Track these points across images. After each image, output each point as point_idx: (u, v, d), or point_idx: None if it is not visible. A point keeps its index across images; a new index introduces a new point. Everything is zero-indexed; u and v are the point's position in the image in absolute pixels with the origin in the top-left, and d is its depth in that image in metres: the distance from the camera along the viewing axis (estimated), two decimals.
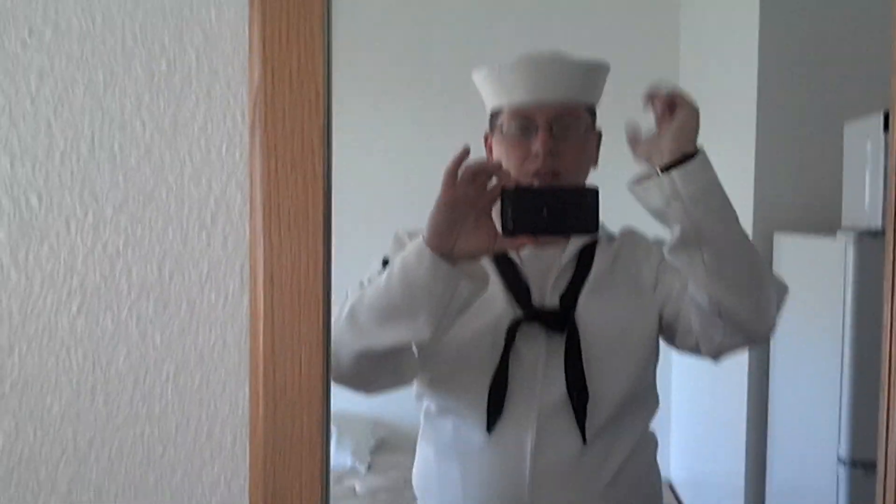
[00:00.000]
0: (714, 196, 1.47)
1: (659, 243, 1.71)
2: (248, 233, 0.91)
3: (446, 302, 1.37)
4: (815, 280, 2.91)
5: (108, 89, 0.91)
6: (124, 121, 0.92)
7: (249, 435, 0.93)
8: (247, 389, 0.93)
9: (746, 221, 3.34)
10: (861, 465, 2.59)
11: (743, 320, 1.52)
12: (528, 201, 1.32)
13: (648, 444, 1.71)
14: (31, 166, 0.92)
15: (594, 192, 1.34)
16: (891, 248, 1.06)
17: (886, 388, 1.04)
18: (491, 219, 1.37)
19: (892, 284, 1.05)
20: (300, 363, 0.91)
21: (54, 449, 0.95)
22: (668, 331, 1.63)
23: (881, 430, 1.05)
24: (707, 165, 1.47)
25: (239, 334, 0.93)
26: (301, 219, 0.88)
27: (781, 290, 1.63)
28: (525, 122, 1.58)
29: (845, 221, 2.86)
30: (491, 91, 1.64)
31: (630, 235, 1.75)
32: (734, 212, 1.51)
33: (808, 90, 3.30)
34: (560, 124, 1.57)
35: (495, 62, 1.62)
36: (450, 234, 1.35)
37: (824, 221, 3.12)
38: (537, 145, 1.55)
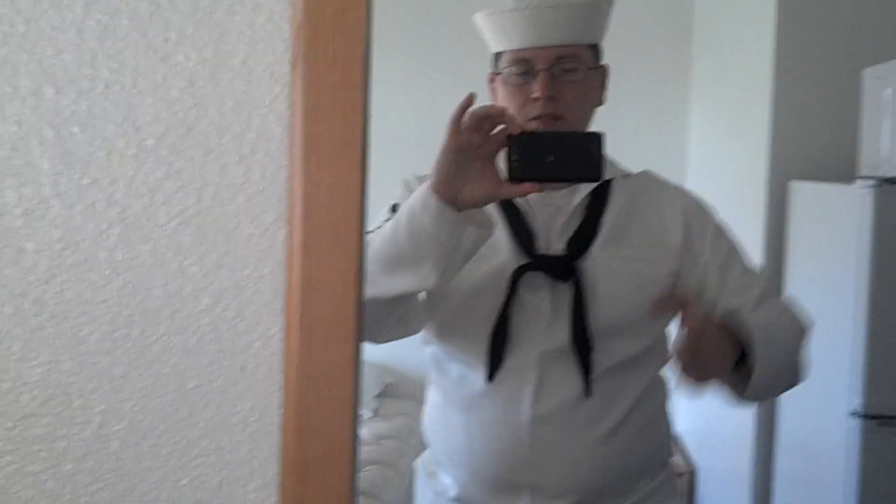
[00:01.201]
0: (774, 363, 1.54)
1: (685, 195, 1.71)
2: (286, 165, 0.92)
3: (451, 248, 1.37)
4: (832, 229, 2.90)
5: (152, 20, 0.92)
6: (168, 53, 0.92)
7: (284, 368, 0.94)
8: (282, 322, 0.94)
9: (762, 169, 3.32)
10: (875, 418, 2.58)
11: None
12: (533, 147, 1.33)
13: (657, 392, 1.71)
14: (74, 96, 0.93)
15: (599, 138, 1.34)
16: None
17: None
18: (495, 165, 1.37)
19: None
20: (334, 298, 0.91)
21: (90, 380, 0.96)
22: None
23: None
24: (755, 355, 1.51)
25: (275, 267, 0.94)
26: (340, 152, 0.89)
27: (806, 340, 1.68)
28: (525, 65, 1.59)
29: (863, 170, 2.85)
30: (491, 35, 1.64)
31: (650, 181, 1.75)
32: (792, 351, 1.61)
33: (826, 36, 3.28)
34: (560, 67, 1.58)
35: (497, 4, 1.63)
36: (455, 181, 1.36)
37: (841, 170, 3.10)
38: (537, 89, 1.56)
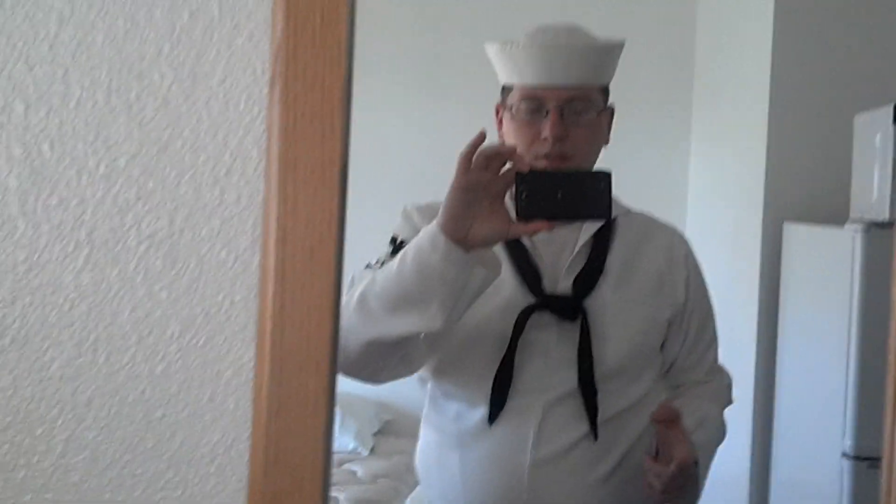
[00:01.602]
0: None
1: (685, 242, 1.73)
2: (262, 189, 0.89)
3: (459, 289, 1.35)
4: (823, 271, 2.94)
5: (128, 37, 0.90)
6: (143, 70, 0.90)
7: (253, 399, 0.91)
8: (252, 351, 0.91)
9: (757, 211, 3.40)
10: (865, 460, 2.58)
11: None
12: (542, 186, 1.31)
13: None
14: (45, 113, 0.90)
15: (607, 177, 1.33)
16: None
17: (892, 379, 1.02)
18: (504, 204, 1.35)
19: None
20: (309, 326, 0.88)
21: (52, 407, 0.93)
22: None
23: (887, 424, 1.03)
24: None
25: (247, 293, 0.91)
26: (317, 175, 0.86)
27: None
28: (535, 103, 1.57)
29: (854, 213, 2.88)
30: (502, 67, 1.62)
31: (651, 222, 1.74)
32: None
33: (820, 83, 3.38)
34: (571, 108, 1.56)
35: (511, 34, 1.62)
36: (465, 220, 1.33)
37: (833, 212, 3.15)
38: (547, 129, 1.54)
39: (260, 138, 0.89)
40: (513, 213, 1.34)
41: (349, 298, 1.40)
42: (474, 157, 1.32)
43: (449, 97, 4.35)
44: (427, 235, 1.35)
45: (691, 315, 1.71)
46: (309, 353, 0.88)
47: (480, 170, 1.32)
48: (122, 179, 0.90)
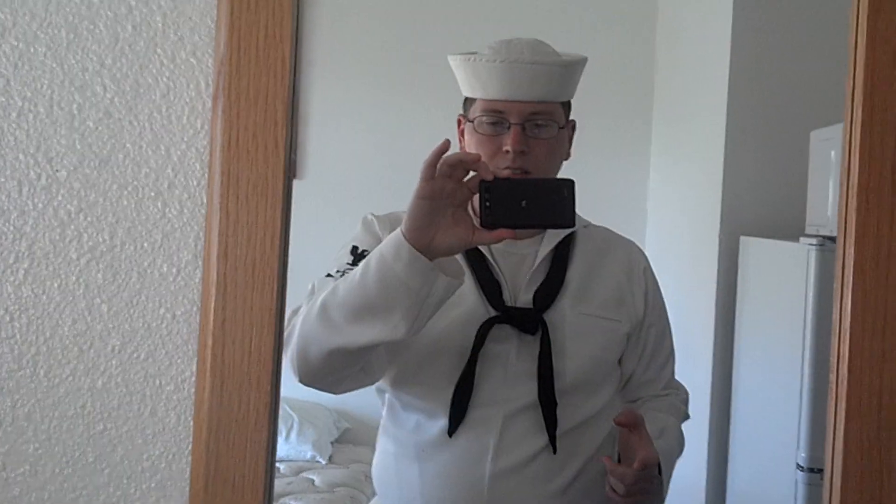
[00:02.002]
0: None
1: (644, 257, 1.74)
2: (204, 203, 0.89)
3: (423, 298, 1.34)
4: (779, 284, 2.96)
5: (70, 49, 0.89)
6: (85, 82, 0.89)
7: (194, 414, 0.90)
8: (194, 366, 0.90)
9: (714, 224, 3.43)
10: (819, 472, 2.59)
11: None
12: (506, 194, 1.31)
13: (615, 442, 1.69)
14: None
15: (571, 185, 1.33)
16: (842, 254, 1.06)
17: (834, 390, 1.03)
18: (468, 212, 1.35)
19: (842, 289, 1.05)
20: (250, 341, 0.88)
21: None
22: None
23: (829, 434, 1.04)
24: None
25: (189, 308, 0.90)
26: (260, 190, 0.86)
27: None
28: (497, 116, 1.57)
29: (809, 228, 2.91)
30: (465, 80, 1.62)
31: (612, 236, 1.74)
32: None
33: (777, 99, 3.41)
34: (533, 123, 1.56)
35: (475, 43, 1.61)
36: (428, 228, 1.33)
37: (789, 227, 3.18)
38: (508, 143, 1.54)
39: (203, 152, 0.89)
40: (477, 221, 1.34)
41: (310, 307, 1.39)
42: (438, 165, 1.31)
43: (413, 104, 4.35)
44: (390, 244, 1.35)
45: (649, 329, 1.71)
46: (250, 368, 0.87)
47: (444, 178, 1.31)
48: (63, 192, 0.90)
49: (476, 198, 1.33)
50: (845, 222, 1.04)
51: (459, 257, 1.55)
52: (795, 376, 2.69)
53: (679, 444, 1.74)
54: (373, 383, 1.59)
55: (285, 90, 0.85)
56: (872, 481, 1.03)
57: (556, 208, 1.33)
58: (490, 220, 1.32)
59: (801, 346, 2.68)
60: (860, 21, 1.04)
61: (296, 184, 0.95)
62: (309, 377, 1.41)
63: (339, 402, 4.28)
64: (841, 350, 1.03)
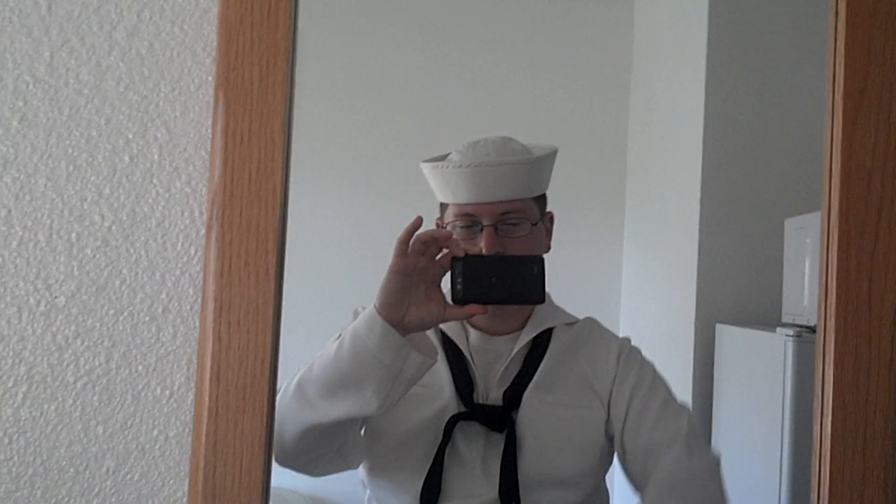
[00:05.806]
0: None
1: (623, 342, 1.72)
2: (197, 327, 0.92)
3: (395, 373, 1.36)
4: (756, 373, 2.95)
5: (70, 180, 0.93)
6: (83, 212, 0.93)
7: None
8: (185, 488, 0.92)
9: (689, 312, 3.42)
10: None
11: None
12: (477, 270, 1.35)
13: None
14: None
15: (540, 261, 1.37)
16: (821, 349, 1.10)
17: (817, 482, 1.06)
18: (440, 289, 1.38)
19: (823, 383, 1.08)
20: (241, 463, 0.90)
21: None
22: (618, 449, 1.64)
23: None
24: None
25: (182, 430, 0.93)
26: (251, 317, 0.89)
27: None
28: (469, 219, 1.60)
29: (785, 317, 2.91)
30: (437, 186, 1.66)
31: (593, 327, 1.74)
32: None
33: (750, 187, 3.43)
34: (506, 222, 1.59)
35: (452, 141, 1.65)
36: (401, 304, 1.36)
37: (766, 314, 3.19)
38: (481, 245, 1.58)
39: (196, 278, 0.92)
40: (449, 298, 1.37)
41: (286, 386, 1.41)
42: (411, 241, 1.35)
43: (392, 205, 4.40)
44: (364, 319, 1.37)
45: (629, 397, 1.67)
46: (240, 491, 0.89)
47: (417, 255, 1.35)
48: (61, 317, 0.93)
49: (449, 274, 1.36)
50: (825, 322, 1.08)
51: (439, 350, 1.58)
52: (774, 467, 2.69)
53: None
54: (351, 468, 1.59)
55: (276, 220, 0.89)
56: None
57: (527, 284, 1.36)
58: (462, 296, 1.35)
59: (780, 436, 2.68)
60: (835, 109, 1.08)
61: None
62: (284, 456, 1.42)
63: (314, 489, 4.23)
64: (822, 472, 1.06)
